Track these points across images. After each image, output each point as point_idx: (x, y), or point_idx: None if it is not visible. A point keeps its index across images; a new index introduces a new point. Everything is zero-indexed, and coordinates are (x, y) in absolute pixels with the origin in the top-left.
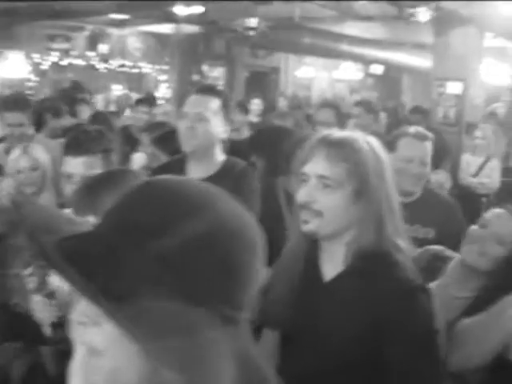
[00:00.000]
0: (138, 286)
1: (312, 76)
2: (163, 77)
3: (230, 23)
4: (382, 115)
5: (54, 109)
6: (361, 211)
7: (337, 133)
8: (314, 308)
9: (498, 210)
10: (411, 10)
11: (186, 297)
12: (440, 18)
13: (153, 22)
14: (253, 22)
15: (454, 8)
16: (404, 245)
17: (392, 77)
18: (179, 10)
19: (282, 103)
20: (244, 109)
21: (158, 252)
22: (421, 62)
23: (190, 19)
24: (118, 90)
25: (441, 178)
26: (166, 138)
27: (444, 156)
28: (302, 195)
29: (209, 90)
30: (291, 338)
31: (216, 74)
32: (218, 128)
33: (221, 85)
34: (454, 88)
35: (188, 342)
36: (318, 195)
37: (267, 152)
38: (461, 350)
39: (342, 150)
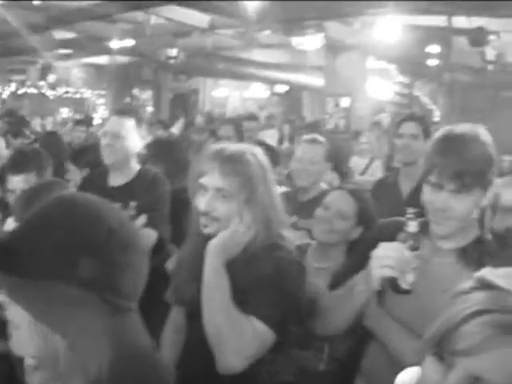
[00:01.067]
0: (39, 271)
1: (226, 95)
2: (101, 100)
3: (155, 54)
4: (286, 127)
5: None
6: (252, 214)
7: (229, 147)
8: None
9: (337, 191)
10: (301, 40)
11: (77, 283)
12: (329, 45)
13: (92, 55)
14: (174, 52)
15: (340, 37)
16: (287, 234)
17: (294, 95)
18: (113, 44)
19: (199, 120)
20: (164, 125)
21: (56, 248)
22: (317, 81)
23: (122, 51)
24: (64, 112)
25: (329, 177)
26: (79, 154)
27: (336, 159)
28: (202, 204)
29: (124, 112)
30: (195, 315)
31: (145, 96)
32: (133, 143)
33: (149, 105)
34: (343, 103)
35: (70, 317)
36: (216, 204)
37: (160, 160)
38: (324, 318)
39: (233, 164)
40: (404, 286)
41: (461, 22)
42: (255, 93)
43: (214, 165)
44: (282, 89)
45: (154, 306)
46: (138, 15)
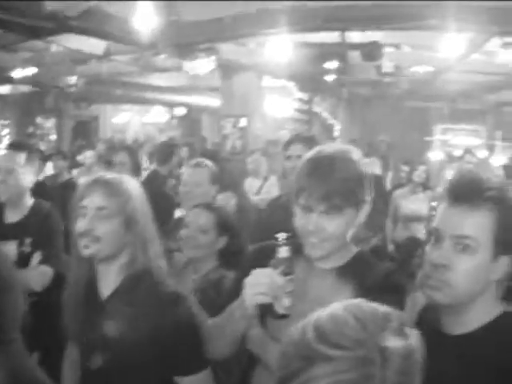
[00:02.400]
0: None
1: (127, 121)
2: (6, 130)
3: (55, 82)
4: (185, 149)
5: None
6: (131, 237)
7: (107, 175)
8: (96, 322)
9: (194, 210)
10: (193, 64)
11: None
12: (224, 66)
13: None
14: (73, 79)
15: (234, 58)
16: (163, 264)
17: (193, 117)
18: (15, 73)
19: (100, 147)
20: (63, 155)
21: None
22: (215, 102)
23: (24, 80)
24: None
25: (226, 198)
26: None
27: (230, 180)
28: (82, 225)
29: (16, 146)
30: (84, 350)
31: (49, 124)
32: (26, 177)
33: (53, 134)
34: (239, 123)
35: None
36: (97, 224)
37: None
38: (210, 343)
39: (114, 186)
40: (280, 310)
41: (357, 36)
42: (155, 117)
43: (94, 188)
44: (181, 112)
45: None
46: (39, 44)
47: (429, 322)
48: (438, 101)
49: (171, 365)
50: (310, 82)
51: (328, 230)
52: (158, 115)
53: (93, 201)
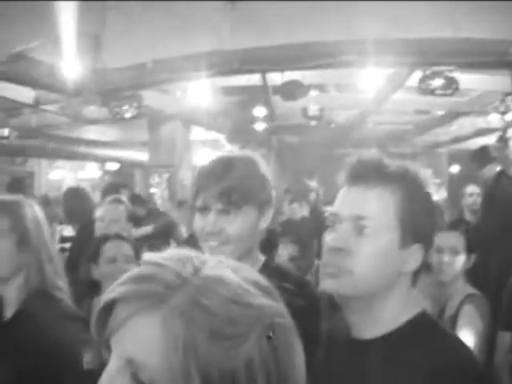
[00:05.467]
0: None
1: (62, 177)
2: None
3: None
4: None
5: None
6: (25, 258)
7: (1, 197)
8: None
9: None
10: (118, 109)
11: None
12: (151, 116)
13: None
14: (5, 132)
15: (159, 107)
16: (63, 284)
17: (126, 172)
18: None
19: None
20: None
21: None
22: (146, 156)
23: None
24: None
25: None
26: None
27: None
28: None
29: None
30: None
31: None
32: None
33: None
34: (165, 173)
35: None
36: None
37: None
38: None
39: (4, 205)
40: None
41: (279, 79)
42: (89, 173)
43: None
44: (113, 167)
45: None
46: None
47: (335, 327)
48: (367, 147)
49: None
50: (239, 132)
51: (227, 231)
52: (90, 171)
53: None
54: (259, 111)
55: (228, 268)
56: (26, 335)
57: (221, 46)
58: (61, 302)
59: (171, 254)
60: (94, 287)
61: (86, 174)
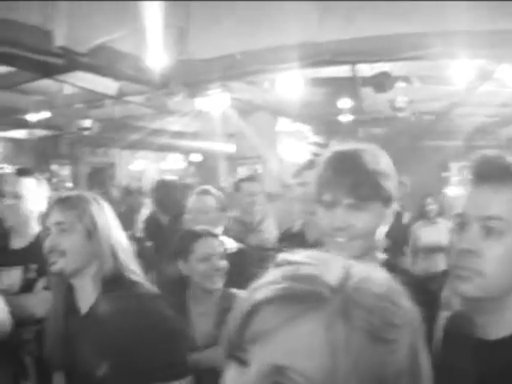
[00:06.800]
0: None
1: (143, 169)
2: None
3: (69, 126)
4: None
5: None
6: (96, 248)
7: (64, 193)
8: (76, 343)
9: None
10: (205, 102)
11: None
12: (237, 107)
13: (9, 129)
14: (87, 123)
15: (247, 98)
16: (135, 267)
17: (209, 163)
18: (30, 116)
19: (115, 193)
20: None
21: None
22: (232, 148)
23: (39, 124)
24: None
25: None
26: None
27: None
28: (47, 243)
29: (25, 172)
30: (69, 375)
31: (65, 172)
32: (34, 204)
33: (69, 181)
34: (254, 165)
35: None
36: (59, 239)
37: None
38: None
39: (69, 200)
40: None
41: (368, 71)
42: (172, 164)
43: (52, 207)
44: (197, 158)
45: None
46: (51, 86)
47: (460, 327)
48: (454, 139)
49: (148, 370)
50: (325, 124)
51: (356, 226)
52: (174, 162)
53: (51, 218)
54: (345, 103)
55: (371, 269)
56: (104, 325)
57: (310, 37)
58: (138, 283)
59: (309, 255)
60: (182, 283)
61: (168, 165)
